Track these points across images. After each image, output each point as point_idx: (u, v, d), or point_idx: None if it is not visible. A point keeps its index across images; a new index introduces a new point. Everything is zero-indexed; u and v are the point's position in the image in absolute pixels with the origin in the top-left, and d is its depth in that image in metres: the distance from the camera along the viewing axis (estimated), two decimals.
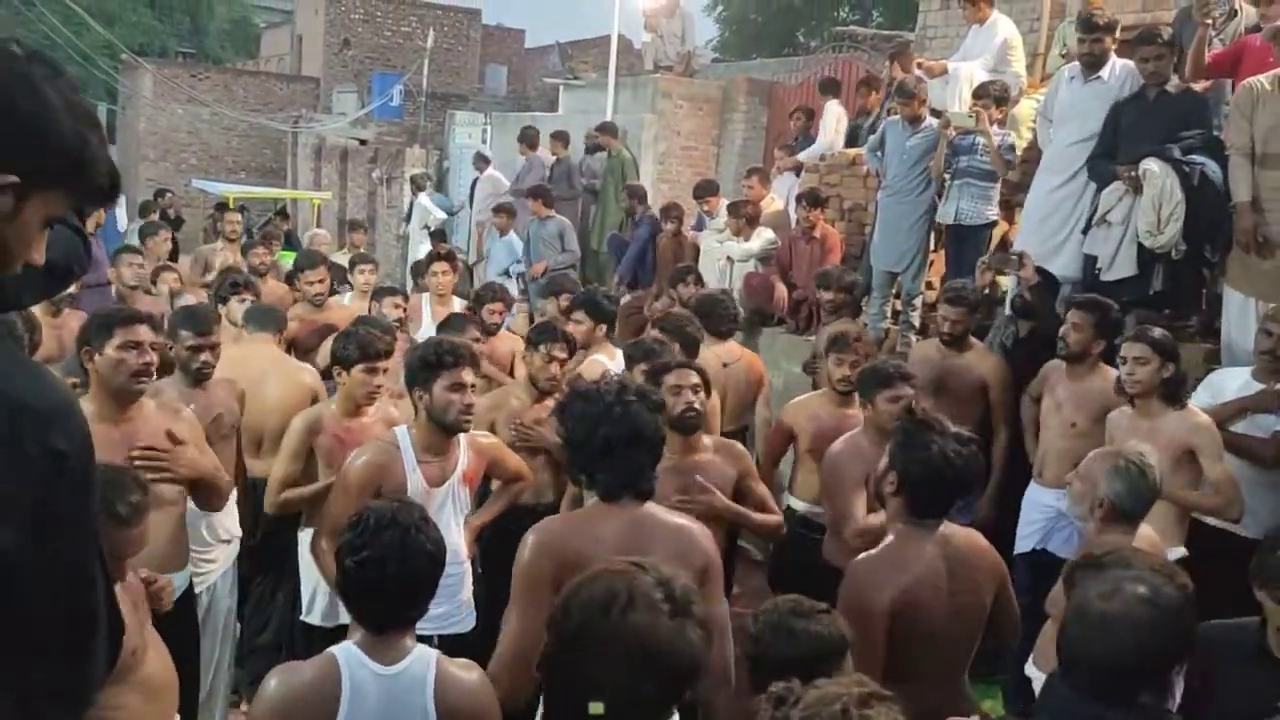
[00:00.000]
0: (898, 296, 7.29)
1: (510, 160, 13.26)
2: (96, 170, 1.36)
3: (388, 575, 2.33)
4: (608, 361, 5.14)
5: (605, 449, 2.66)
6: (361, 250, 10.28)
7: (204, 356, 4.18)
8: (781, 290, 7.81)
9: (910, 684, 2.10)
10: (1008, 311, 5.83)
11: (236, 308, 5.65)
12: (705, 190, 9.26)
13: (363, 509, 2.51)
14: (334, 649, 2.40)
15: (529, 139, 12.19)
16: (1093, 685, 2.08)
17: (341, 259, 9.09)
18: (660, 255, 9.07)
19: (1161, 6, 7.51)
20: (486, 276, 10.54)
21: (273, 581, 4.78)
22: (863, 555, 2.92)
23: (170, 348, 4.28)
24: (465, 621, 3.77)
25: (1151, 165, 5.20)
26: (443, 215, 13.90)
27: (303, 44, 29.88)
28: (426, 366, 3.56)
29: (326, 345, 4.95)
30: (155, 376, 3.65)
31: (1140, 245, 5.30)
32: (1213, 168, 5.16)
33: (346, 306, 6.71)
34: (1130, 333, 4.27)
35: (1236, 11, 6.11)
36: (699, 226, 9.38)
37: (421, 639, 2.47)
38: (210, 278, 7.66)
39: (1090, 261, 5.66)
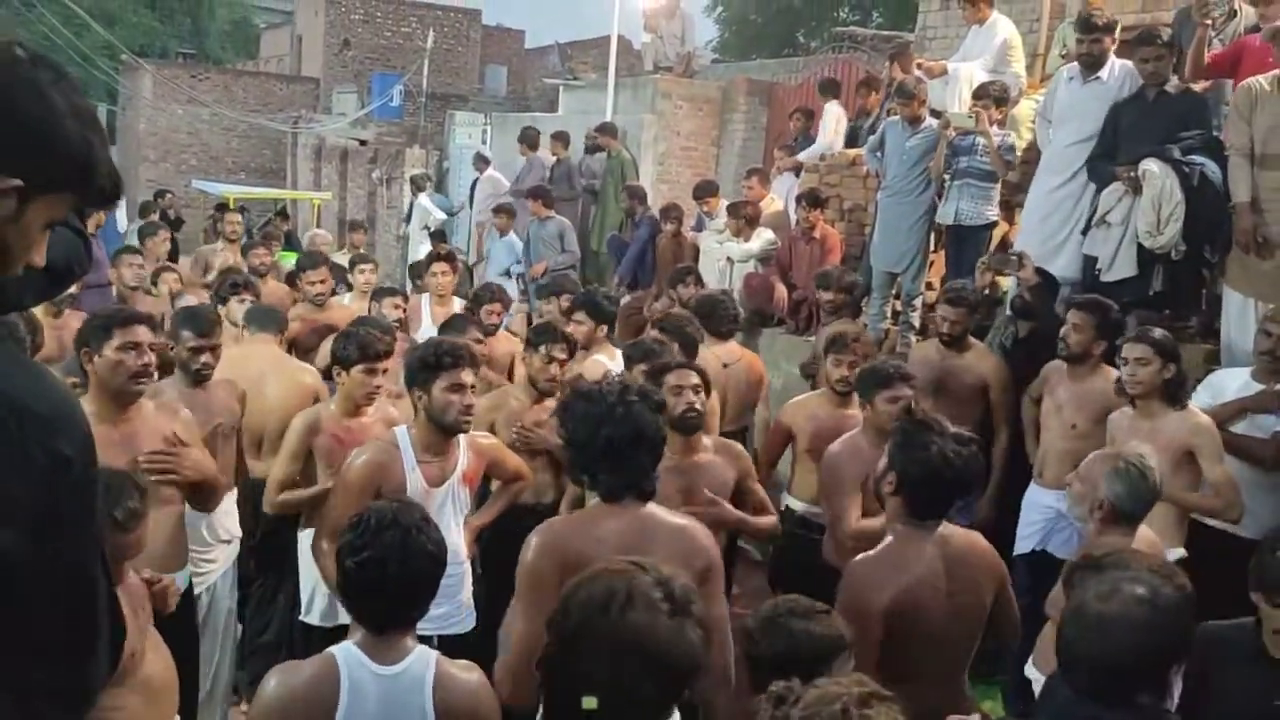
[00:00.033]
0: (897, 297, 7.29)
1: (510, 161, 13.26)
2: (99, 174, 1.37)
3: (388, 576, 2.33)
4: (608, 362, 5.15)
5: (607, 449, 2.66)
6: (361, 251, 10.28)
7: (204, 358, 4.18)
8: (781, 291, 7.81)
9: (910, 684, 2.10)
10: (1008, 312, 5.83)
11: (236, 308, 5.66)
12: (705, 191, 9.26)
13: (363, 509, 2.51)
14: (334, 649, 2.40)
15: (529, 139, 12.19)
16: (1091, 686, 2.08)
17: (341, 259, 9.09)
18: (660, 256, 9.07)
19: (1161, 7, 7.51)
20: (487, 277, 10.54)
21: (274, 582, 4.78)
22: (861, 556, 2.92)
23: (171, 348, 4.28)
24: (465, 622, 3.77)
25: (1151, 166, 5.20)
26: (442, 216, 13.91)
27: (303, 44, 29.89)
28: (426, 367, 3.56)
29: (326, 345, 4.95)
30: (155, 377, 3.65)
31: (1140, 246, 5.30)
32: (1212, 168, 5.16)
33: (346, 307, 6.71)
34: (1132, 333, 4.26)
35: (1236, 12, 6.11)
36: (699, 227, 9.39)
37: (421, 639, 2.47)
38: (210, 278, 7.66)
39: (1090, 262, 5.66)
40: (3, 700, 1.29)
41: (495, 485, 4.28)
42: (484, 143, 16.70)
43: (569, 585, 1.92)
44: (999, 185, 6.66)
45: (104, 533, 1.54)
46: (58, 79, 1.32)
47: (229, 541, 4.31)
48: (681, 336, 5.05)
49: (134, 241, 9.57)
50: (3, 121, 1.27)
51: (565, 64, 18.70)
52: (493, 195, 12.24)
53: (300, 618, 4.22)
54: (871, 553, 2.90)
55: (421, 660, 2.37)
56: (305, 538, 4.21)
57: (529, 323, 7.66)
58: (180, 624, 3.31)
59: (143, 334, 3.46)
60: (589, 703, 1.71)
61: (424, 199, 14.08)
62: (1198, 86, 5.80)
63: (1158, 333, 4.23)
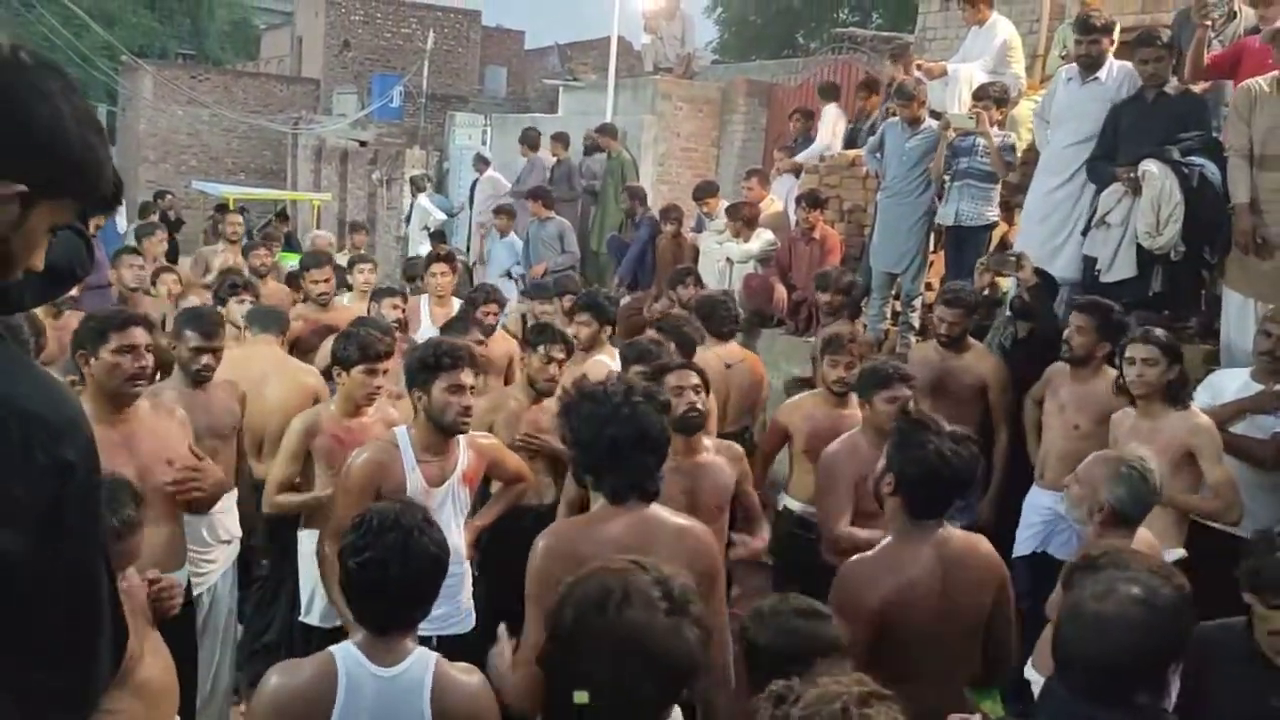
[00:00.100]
0: (897, 298, 7.29)
1: (510, 161, 13.27)
2: (103, 179, 1.37)
3: (390, 577, 2.33)
4: (610, 363, 5.15)
5: (612, 450, 2.66)
6: (362, 251, 10.28)
7: (205, 359, 4.18)
8: (781, 291, 7.82)
9: (909, 684, 2.10)
10: (1007, 313, 5.84)
11: (236, 309, 5.66)
12: (704, 192, 9.26)
13: (365, 510, 2.51)
14: (333, 648, 2.41)
15: (530, 140, 12.19)
16: (1088, 686, 2.08)
17: (341, 260, 9.08)
18: (660, 257, 9.08)
19: (1160, 8, 7.51)
20: (488, 278, 10.54)
21: (274, 583, 4.79)
22: (858, 555, 2.93)
23: (173, 347, 4.29)
24: (465, 622, 3.77)
25: (1150, 166, 5.21)
26: (442, 216, 13.91)
27: (303, 45, 29.91)
28: (425, 368, 3.56)
29: (326, 346, 4.95)
30: (156, 378, 3.65)
31: (1139, 246, 5.30)
32: (1212, 169, 5.17)
33: (346, 307, 6.71)
34: (1136, 333, 4.25)
35: (1235, 13, 6.11)
36: (698, 228, 9.39)
37: (421, 640, 2.48)
38: (210, 279, 7.66)
39: (1090, 263, 5.67)
40: (3, 700, 1.29)
41: (495, 486, 4.29)
42: (484, 143, 16.71)
43: (567, 583, 1.93)
44: (999, 186, 6.67)
45: (107, 537, 1.54)
46: (62, 84, 1.33)
47: (229, 542, 4.31)
48: (679, 337, 5.06)
49: (133, 242, 9.57)
50: (7, 126, 1.28)
51: (565, 65, 18.72)
52: (493, 196, 12.24)
53: (300, 618, 4.22)
54: (869, 552, 2.91)
55: (421, 662, 2.37)
56: (305, 538, 4.22)
57: (524, 323, 7.65)
58: (179, 625, 3.31)
59: (139, 336, 3.45)
60: (580, 697, 1.71)
61: (424, 200, 14.08)
62: (1197, 88, 5.80)
63: (1162, 333, 4.23)
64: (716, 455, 3.92)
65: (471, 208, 13.22)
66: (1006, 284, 6.15)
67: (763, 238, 8.12)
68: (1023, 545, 4.73)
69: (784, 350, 7.58)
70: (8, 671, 1.30)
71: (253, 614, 4.86)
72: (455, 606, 3.70)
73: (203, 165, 25.77)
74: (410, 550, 2.36)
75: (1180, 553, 3.91)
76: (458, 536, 3.67)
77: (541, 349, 4.58)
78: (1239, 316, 5.02)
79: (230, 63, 34.35)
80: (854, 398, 4.50)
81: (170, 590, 2.93)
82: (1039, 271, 5.55)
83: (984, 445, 3.98)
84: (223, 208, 13.48)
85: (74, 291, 5.09)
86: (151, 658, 2.78)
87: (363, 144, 20.23)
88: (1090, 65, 5.82)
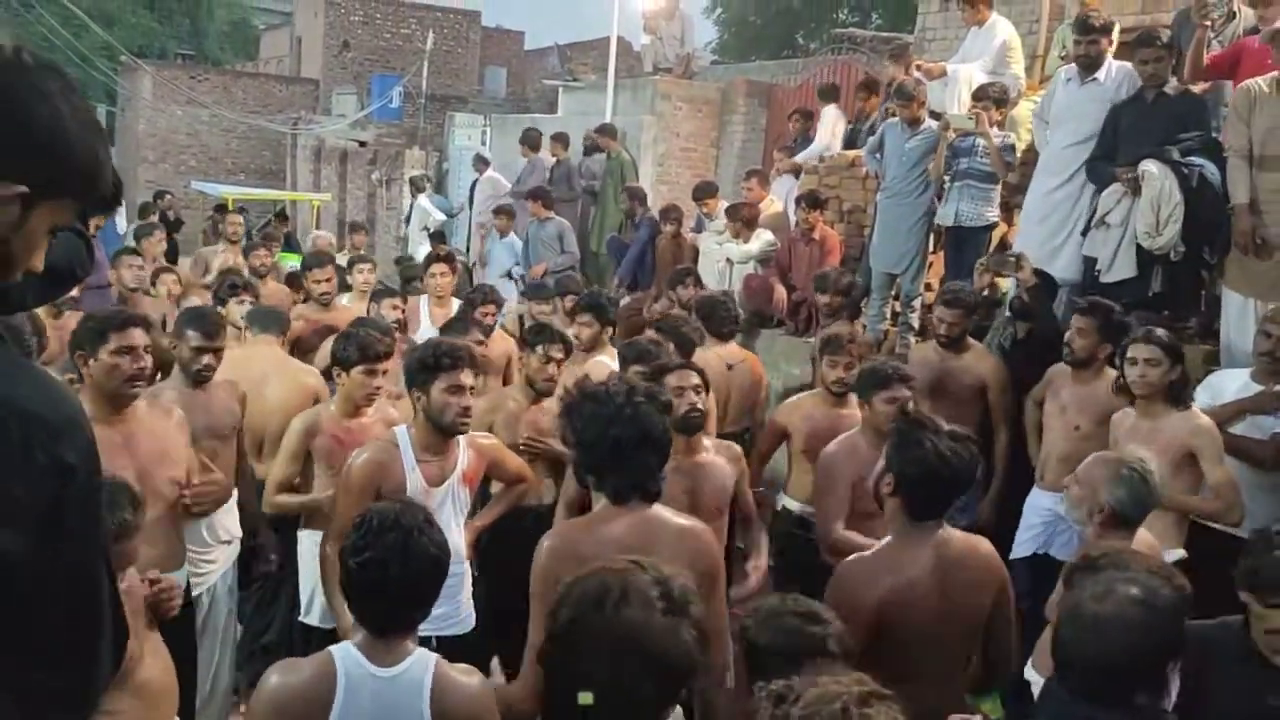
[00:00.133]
0: (897, 298, 7.30)
1: (510, 162, 13.27)
2: (103, 180, 1.37)
3: (390, 577, 2.33)
4: (611, 363, 5.15)
5: (615, 450, 2.67)
6: (361, 252, 10.27)
7: (206, 359, 4.18)
8: (781, 292, 7.82)
9: (909, 684, 2.10)
10: (1006, 313, 5.84)
11: (235, 309, 5.66)
12: (704, 192, 9.26)
13: (366, 510, 2.51)
14: (333, 648, 2.41)
15: (531, 140, 12.18)
16: (1087, 687, 2.08)
17: (341, 260, 9.07)
18: (659, 257, 9.08)
19: (1160, 8, 7.52)
20: (488, 278, 10.54)
21: (274, 583, 4.78)
22: (856, 555, 2.93)
23: (173, 347, 4.29)
24: (465, 622, 3.77)
25: (1150, 167, 5.21)
26: (442, 217, 13.91)
27: (302, 46, 29.90)
28: (425, 368, 3.56)
29: (326, 346, 4.95)
30: (156, 378, 3.65)
31: (1139, 247, 5.30)
32: (1211, 169, 5.17)
33: (346, 307, 6.71)
34: (1138, 334, 4.23)
35: (1235, 13, 6.11)
36: (698, 228, 9.39)
37: (420, 640, 2.47)
38: (210, 279, 7.66)
39: (1090, 263, 5.67)
40: (3, 700, 1.29)
41: (495, 486, 4.29)
42: (483, 144, 16.71)
43: (565, 583, 1.93)
44: (999, 186, 6.67)
45: (108, 538, 1.54)
46: (62, 85, 1.33)
47: (229, 542, 4.31)
48: (678, 337, 5.06)
49: (132, 243, 9.57)
50: (9, 127, 1.28)
51: (565, 65, 18.72)
52: (492, 196, 12.24)
53: (300, 619, 4.22)
54: (867, 552, 2.91)
55: (420, 663, 2.37)
56: (305, 538, 4.22)
57: (521, 324, 7.64)
58: (178, 626, 3.31)
59: (138, 337, 3.45)
60: (585, 698, 1.71)
61: (423, 200, 14.08)
62: (1197, 88, 5.81)
63: (1164, 333, 4.22)
64: (716, 456, 3.92)
65: (471, 208, 13.22)
66: (1006, 284, 6.15)
67: (762, 238, 8.12)
68: (1023, 547, 4.72)
69: (784, 350, 7.59)
70: (8, 671, 1.30)
71: (252, 614, 4.85)
72: (455, 607, 3.70)
73: (202, 165, 25.77)
74: (410, 551, 2.36)
75: (1180, 553, 3.91)
76: (458, 536, 3.66)
77: (540, 349, 4.58)
78: (1239, 317, 5.02)
79: (229, 63, 34.34)
80: (853, 398, 4.51)
81: (170, 592, 2.93)
82: (1039, 272, 5.55)
83: (984, 446, 3.98)
84: (222, 208, 13.48)
85: (74, 292, 5.09)
86: (151, 658, 2.78)
87: (362, 144, 20.23)
88: (1089, 66, 5.82)
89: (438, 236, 12.83)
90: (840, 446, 4.14)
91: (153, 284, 7.07)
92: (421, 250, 11.24)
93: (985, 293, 5.98)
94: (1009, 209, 7.02)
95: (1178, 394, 4.11)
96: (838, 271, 6.96)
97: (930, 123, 6.90)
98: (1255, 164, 4.91)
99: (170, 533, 3.65)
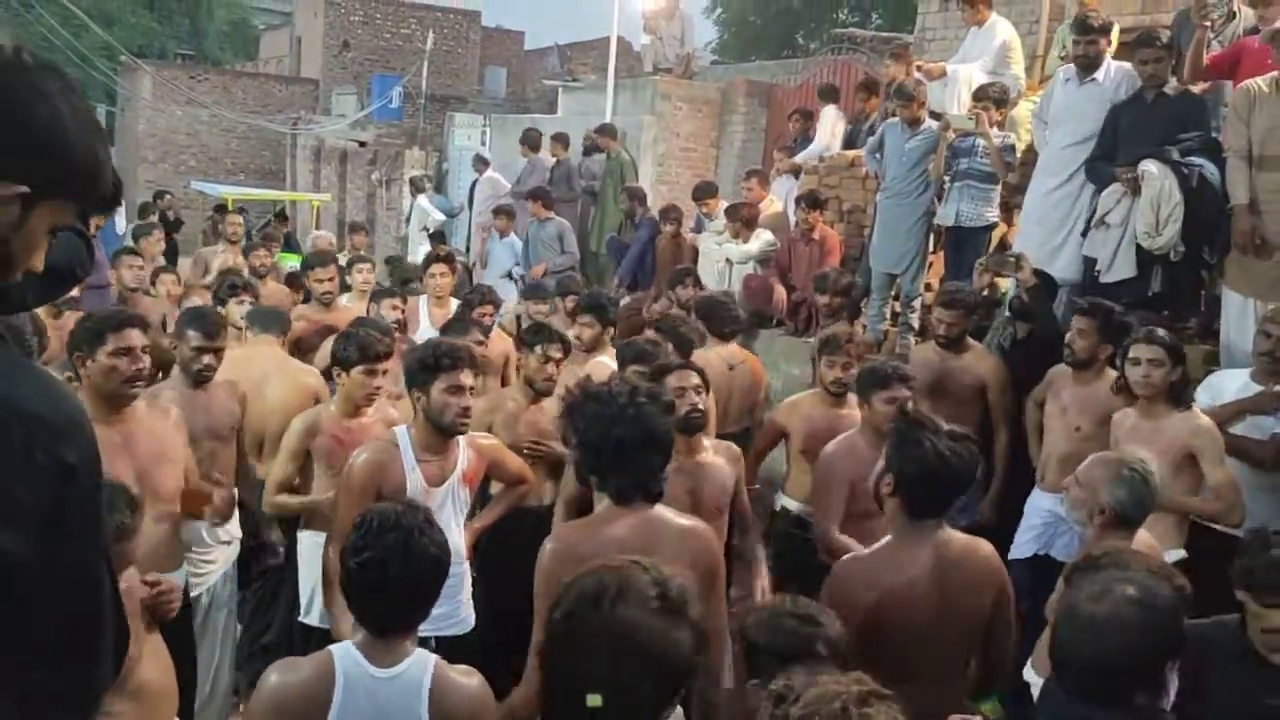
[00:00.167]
0: (896, 298, 7.30)
1: (509, 162, 13.27)
2: (103, 181, 1.37)
3: (390, 578, 2.33)
4: (612, 364, 5.15)
5: (618, 451, 2.67)
6: (361, 252, 10.27)
7: (207, 359, 4.19)
8: (780, 292, 7.82)
9: (906, 684, 2.10)
10: (1006, 313, 5.84)
11: (235, 310, 5.66)
12: (704, 192, 9.26)
13: (367, 511, 2.51)
14: (333, 647, 2.41)
15: (531, 141, 12.18)
16: (1086, 687, 2.08)
17: (341, 261, 9.07)
18: (659, 257, 9.08)
19: (1160, 9, 7.52)
20: (489, 278, 10.54)
21: (273, 583, 4.78)
22: (853, 554, 2.93)
23: (174, 346, 4.29)
24: (464, 623, 3.77)
25: (1150, 167, 5.21)
26: (441, 217, 13.91)
27: (302, 46, 29.90)
28: (425, 368, 3.56)
29: (326, 346, 4.95)
30: (160, 376, 3.65)
31: (1139, 247, 5.30)
32: (1211, 169, 5.17)
33: (346, 307, 6.71)
34: (1140, 334, 4.22)
35: (1235, 14, 6.11)
36: (698, 229, 9.39)
37: (419, 640, 2.47)
38: (210, 280, 7.66)
39: (1089, 263, 5.67)
40: (3, 700, 1.29)
41: (495, 487, 4.29)
42: (483, 144, 16.71)
43: (564, 582, 1.93)
44: (999, 187, 6.67)
45: (109, 540, 1.54)
46: (63, 85, 1.33)
47: (228, 543, 4.31)
48: (676, 337, 5.06)
49: (131, 243, 9.57)
50: (10, 127, 1.28)
51: (565, 65, 18.73)
52: (492, 196, 12.24)
53: (300, 619, 4.22)
54: (865, 551, 2.91)
55: (419, 664, 2.36)
56: (305, 538, 4.22)
57: (518, 324, 7.64)
58: (177, 626, 3.31)
59: (135, 338, 3.44)
60: (593, 700, 1.70)
61: (423, 200, 14.08)
62: (1196, 88, 5.81)
63: (1166, 333, 4.22)
64: (716, 456, 3.92)
65: (471, 208, 13.22)
66: (1006, 285, 6.16)
67: (762, 238, 8.12)
68: (1023, 547, 4.72)
69: (783, 351, 7.59)
70: (8, 671, 1.30)
71: (252, 614, 4.85)
72: (455, 607, 3.70)
73: (202, 166, 25.77)
74: (410, 551, 2.35)
75: (1180, 554, 3.91)
76: (457, 537, 3.67)
77: (538, 349, 4.58)
78: (1239, 317, 5.02)
79: (229, 63, 34.34)
80: (852, 398, 4.51)
81: (169, 594, 2.93)
82: (1039, 272, 5.55)
83: (984, 446, 3.98)
84: (222, 208, 13.48)
85: (75, 292, 5.09)
86: (150, 660, 2.78)
87: (362, 144, 20.23)
88: (1088, 66, 5.82)
89: (437, 237, 12.83)
90: (839, 446, 4.15)
91: (152, 284, 7.07)
92: (421, 251, 11.24)
93: (985, 293, 5.98)
94: (1009, 209, 7.02)
95: (1179, 395, 4.11)
96: (837, 272, 6.96)
97: (930, 123, 6.91)
98: (1255, 164, 4.91)
99: (169, 532, 3.65)
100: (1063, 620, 2.14)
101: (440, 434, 3.60)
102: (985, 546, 2.98)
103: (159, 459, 3.57)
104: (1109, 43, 5.87)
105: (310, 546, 4.19)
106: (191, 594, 3.90)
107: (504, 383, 5.97)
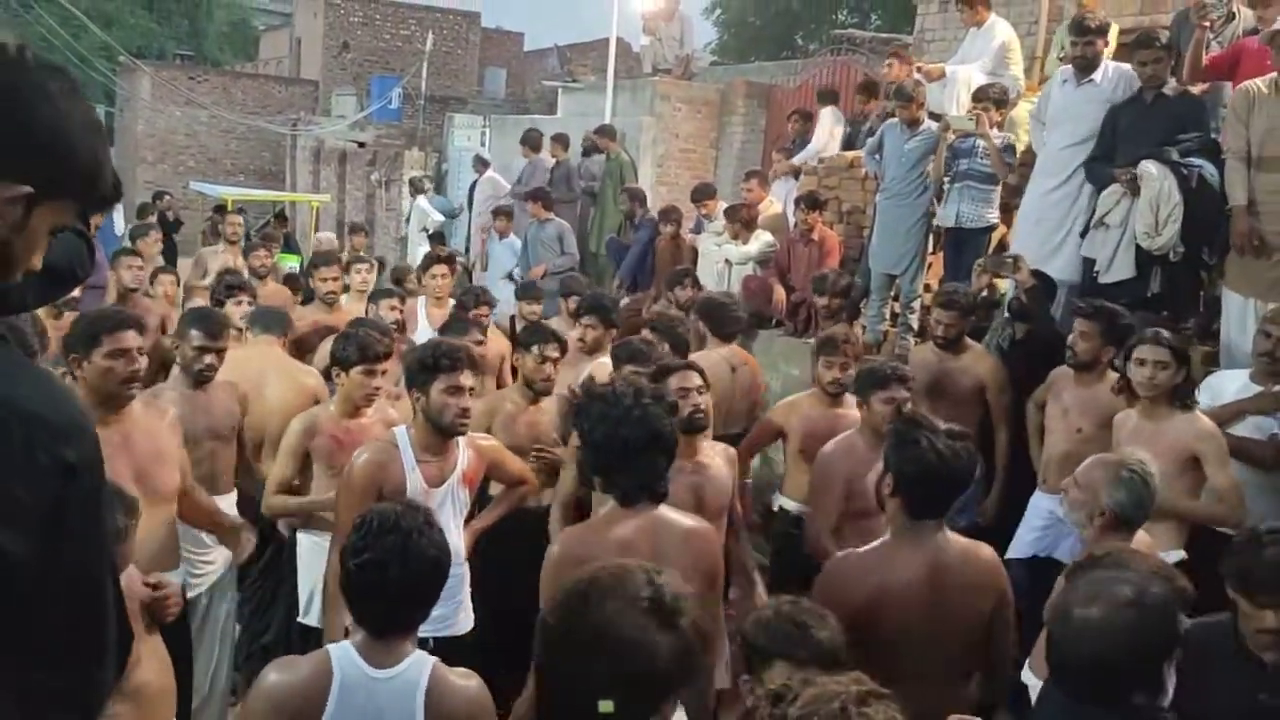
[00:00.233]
0: (896, 299, 7.30)
1: (509, 163, 13.26)
2: (104, 180, 1.38)
3: (389, 579, 2.33)
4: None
5: (624, 451, 2.68)
6: (361, 253, 10.27)
7: (209, 359, 4.19)
8: (780, 293, 7.82)
9: (902, 684, 2.10)
10: (1005, 314, 5.84)
11: (233, 310, 5.65)
12: (703, 194, 9.26)
13: (367, 512, 2.51)
14: (331, 647, 2.41)
15: (532, 141, 12.17)
16: (1084, 688, 2.08)
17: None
18: (659, 258, 9.07)
19: (1159, 9, 7.53)
20: (489, 279, 10.53)
21: (273, 584, 4.78)
22: (847, 551, 2.94)
23: (175, 346, 4.29)
24: (463, 624, 3.77)
25: (1149, 167, 5.22)
26: (440, 218, 13.90)
27: (301, 47, 29.90)
28: (424, 369, 3.56)
29: (325, 347, 4.96)
30: (156, 379, 3.65)
31: (1138, 247, 5.31)
32: (1210, 170, 5.17)
33: (344, 308, 6.71)
34: (1146, 335, 4.20)
35: (1234, 14, 6.12)
36: (697, 230, 9.38)
37: (418, 642, 2.47)
38: (209, 281, 7.65)
39: (1089, 264, 5.67)
40: (3, 700, 1.29)
41: (495, 488, 4.29)
42: (483, 145, 16.70)
43: (562, 584, 1.92)
44: (999, 188, 6.67)
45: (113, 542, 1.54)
46: (65, 85, 1.33)
47: None
48: (672, 337, 5.06)
49: (129, 244, 9.56)
50: (12, 127, 1.28)
51: (564, 66, 18.74)
52: (492, 197, 12.24)
53: (299, 619, 4.22)
54: (861, 549, 2.91)
55: (417, 665, 2.37)
56: (304, 539, 4.22)
57: (513, 324, 7.63)
58: (174, 626, 3.30)
59: (131, 340, 3.43)
60: (605, 706, 1.66)
61: (422, 201, 14.08)
62: (1196, 89, 5.81)
63: (1170, 335, 4.21)
64: (716, 456, 3.92)
65: (471, 209, 13.22)
66: (1004, 286, 6.16)
67: (761, 239, 8.12)
68: (1023, 548, 4.71)
69: (782, 351, 7.59)
70: (8, 671, 1.30)
71: (251, 615, 4.85)
72: (454, 608, 3.69)
73: (201, 166, 25.77)
74: (410, 552, 2.35)
75: (1180, 554, 3.90)
76: (457, 537, 3.66)
77: (535, 349, 4.58)
78: (1240, 317, 5.01)
79: (229, 64, 34.33)
80: (850, 398, 4.51)
81: (169, 597, 2.93)
82: (1038, 273, 5.55)
83: (984, 447, 3.98)
84: (221, 209, 13.47)
85: (75, 292, 5.09)
86: (148, 661, 2.78)
87: (361, 145, 20.22)
88: (1085, 67, 5.82)
89: (437, 238, 12.82)
90: (838, 446, 4.15)
91: (151, 284, 7.07)
92: (420, 252, 11.23)
93: (984, 294, 5.98)
94: (1009, 210, 7.02)
95: (1182, 396, 4.11)
96: (836, 273, 6.95)
97: (929, 124, 6.91)
98: (1254, 165, 4.91)
99: (167, 532, 3.65)
100: (1058, 623, 2.14)
101: (440, 435, 3.60)
102: (986, 550, 2.97)
103: (157, 459, 3.57)
104: (1106, 43, 5.87)
105: (309, 547, 4.20)
106: (190, 594, 3.89)
107: (500, 383, 5.97)
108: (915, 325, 7.07)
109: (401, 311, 6.22)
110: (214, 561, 4.22)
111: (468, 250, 12.96)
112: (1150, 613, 2.04)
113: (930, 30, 9.89)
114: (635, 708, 1.70)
